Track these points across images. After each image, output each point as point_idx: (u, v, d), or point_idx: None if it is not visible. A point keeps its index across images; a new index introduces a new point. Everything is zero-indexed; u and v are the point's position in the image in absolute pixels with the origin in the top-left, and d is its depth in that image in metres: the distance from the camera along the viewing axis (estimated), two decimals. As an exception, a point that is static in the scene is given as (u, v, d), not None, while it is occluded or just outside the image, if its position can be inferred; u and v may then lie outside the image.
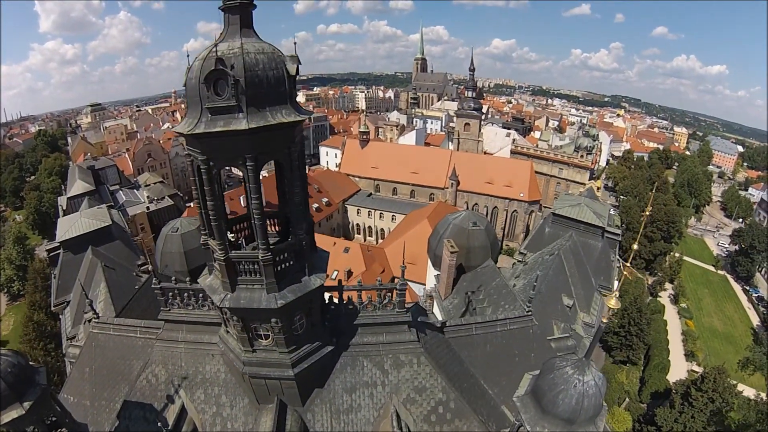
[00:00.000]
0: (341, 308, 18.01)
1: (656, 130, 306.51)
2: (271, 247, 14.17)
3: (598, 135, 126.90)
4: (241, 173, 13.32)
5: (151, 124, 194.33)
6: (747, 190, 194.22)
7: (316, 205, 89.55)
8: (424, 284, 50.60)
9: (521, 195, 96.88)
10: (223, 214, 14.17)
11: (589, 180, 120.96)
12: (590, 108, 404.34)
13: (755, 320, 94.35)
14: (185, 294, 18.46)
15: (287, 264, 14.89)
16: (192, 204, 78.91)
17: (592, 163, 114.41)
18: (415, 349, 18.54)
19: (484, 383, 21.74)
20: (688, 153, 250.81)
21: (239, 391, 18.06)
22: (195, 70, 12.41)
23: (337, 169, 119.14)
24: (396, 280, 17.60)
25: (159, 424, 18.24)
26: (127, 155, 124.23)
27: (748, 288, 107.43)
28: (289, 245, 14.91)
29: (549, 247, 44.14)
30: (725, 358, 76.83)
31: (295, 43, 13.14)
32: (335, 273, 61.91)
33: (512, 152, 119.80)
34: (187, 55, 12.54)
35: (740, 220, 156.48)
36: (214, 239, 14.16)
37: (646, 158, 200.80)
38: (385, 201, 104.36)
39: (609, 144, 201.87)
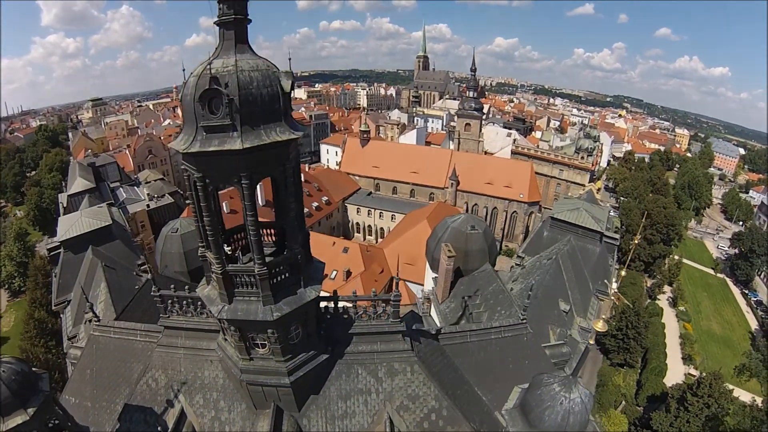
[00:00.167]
0: (336, 318, 18.28)
1: (658, 131, 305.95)
2: (267, 261, 14.39)
3: (599, 136, 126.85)
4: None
5: (152, 120, 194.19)
6: (748, 192, 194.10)
7: (315, 204, 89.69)
8: (423, 285, 50.94)
9: (521, 196, 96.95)
10: (219, 229, 14.42)
11: (590, 181, 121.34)
12: (592, 108, 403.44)
13: (753, 324, 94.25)
14: (184, 302, 18.73)
15: (283, 276, 15.16)
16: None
17: (593, 165, 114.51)
18: (408, 357, 18.80)
19: (478, 390, 21.98)
20: (689, 155, 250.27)
21: (237, 396, 18.36)
22: (190, 87, 12.51)
23: (337, 167, 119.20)
24: (394, 280, 17.83)
25: (159, 427, 18.61)
26: (127, 151, 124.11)
27: (747, 292, 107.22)
28: (285, 259, 15.14)
29: (547, 251, 44.36)
30: (723, 362, 77.17)
31: (290, 59, 13.23)
32: (334, 273, 62.32)
33: (513, 152, 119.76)
34: (183, 70, 12.70)
35: (740, 223, 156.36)
36: (212, 252, 14.40)
37: (647, 159, 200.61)
38: (385, 200, 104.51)
39: (610, 145, 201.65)
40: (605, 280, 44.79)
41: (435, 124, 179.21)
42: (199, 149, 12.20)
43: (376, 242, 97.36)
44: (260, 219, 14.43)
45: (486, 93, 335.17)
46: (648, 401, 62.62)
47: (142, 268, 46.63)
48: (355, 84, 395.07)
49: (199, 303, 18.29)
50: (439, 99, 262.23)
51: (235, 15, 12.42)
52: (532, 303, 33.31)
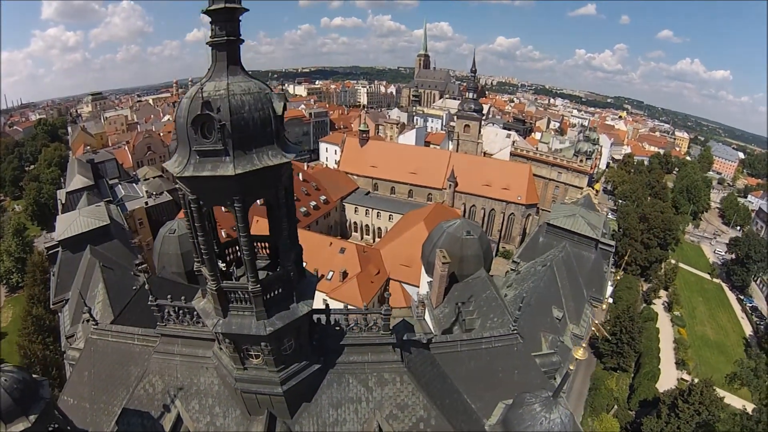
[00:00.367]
0: (328, 329, 18.67)
1: (658, 134, 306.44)
2: (261, 278, 14.73)
3: (598, 139, 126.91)
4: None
5: (152, 116, 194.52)
6: (746, 197, 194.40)
7: (313, 203, 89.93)
8: (419, 287, 51.22)
9: (519, 198, 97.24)
10: (213, 247, 14.74)
11: (589, 184, 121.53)
12: (592, 109, 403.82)
13: (748, 330, 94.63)
14: (180, 311, 19.10)
15: (276, 292, 15.52)
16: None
17: (591, 168, 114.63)
18: (398, 368, 19.26)
19: (468, 398, 22.39)
20: (688, 158, 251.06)
21: (231, 402, 18.81)
22: (183, 109, 12.72)
23: (336, 166, 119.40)
24: (386, 295, 18.15)
25: (156, 431, 19.11)
26: (126, 148, 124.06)
27: (742, 297, 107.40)
28: (278, 276, 15.51)
29: (542, 258, 44.60)
30: (716, 368, 77.77)
31: (282, 87, 13.37)
32: (331, 273, 62.65)
33: (512, 154, 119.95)
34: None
35: (738, 228, 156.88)
36: (206, 268, 14.73)
37: (646, 162, 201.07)
38: (382, 200, 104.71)
39: (610, 147, 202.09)
40: (600, 287, 45.34)
41: (435, 124, 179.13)
42: (193, 173, 12.43)
43: (374, 242, 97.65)
44: (256, 231, 14.77)
45: (486, 92, 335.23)
46: (640, 406, 62.99)
47: (140, 267, 46.99)
48: (355, 81, 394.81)
49: (195, 313, 18.64)
50: (440, 98, 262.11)
51: (227, 36, 12.53)
52: (525, 310, 33.73)
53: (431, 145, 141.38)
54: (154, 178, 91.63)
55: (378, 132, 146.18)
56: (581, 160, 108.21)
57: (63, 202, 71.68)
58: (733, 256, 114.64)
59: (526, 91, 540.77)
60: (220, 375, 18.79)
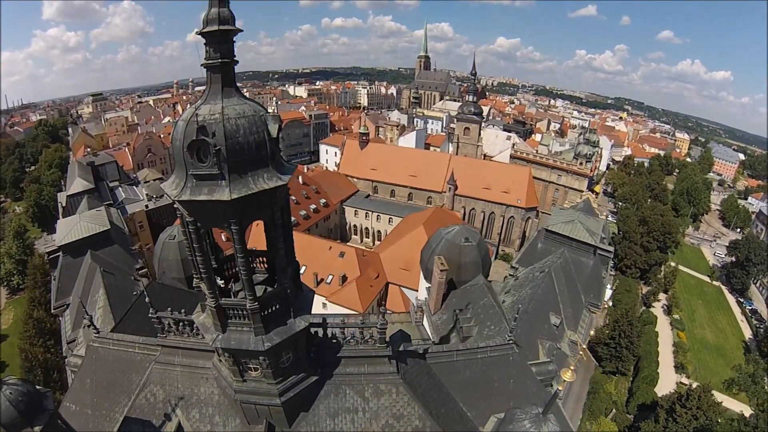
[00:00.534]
0: (326, 342, 18.89)
1: (658, 135, 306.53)
2: (258, 296, 15.00)
3: (598, 141, 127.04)
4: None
5: (152, 117, 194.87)
6: (747, 199, 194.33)
7: (313, 206, 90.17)
8: (417, 290, 51.42)
9: (518, 201, 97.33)
10: (212, 266, 14.98)
11: (589, 186, 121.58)
12: (593, 110, 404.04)
13: (747, 333, 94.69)
14: (180, 324, 19.35)
15: (273, 308, 15.76)
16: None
17: (591, 171, 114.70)
18: (394, 379, 19.54)
19: (463, 406, 22.63)
20: (689, 160, 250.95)
21: (231, 412, 19.10)
22: (179, 132, 12.89)
23: (336, 168, 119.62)
24: (381, 309, 18.38)
25: (157, 440, 19.44)
26: (126, 149, 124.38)
27: (742, 300, 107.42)
28: (275, 294, 15.77)
29: (540, 263, 44.78)
30: (715, 371, 77.90)
31: (276, 111, 13.51)
32: (330, 277, 62.85)
33: (512, 157, 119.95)
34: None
35: (738, 230, 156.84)
36: (205, 286, 14.96)
37: (646, 164, 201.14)
38: (382, 203, 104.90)
39: (610, 149, 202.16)
40: (597, 293, 45.50)
41: (435, 126, 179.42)
42: (190, 197, 12.63)
43: (373, 244, 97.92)
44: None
45: (487, 93, 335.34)
46: (638, 410, 63.05)
47: (140, 272, 47.21)
48: (356, 82, 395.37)
49: (195, 325, 18.88)
50: (440, 99, 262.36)
51: (221, 59, 12.67)
52: (523, 317, 33.99)
53: (431, 147, 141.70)
54: (154, 180, 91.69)
55: (378, 134, 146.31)
56: (581, 163, 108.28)
57: (63, 205, 72.00)
58: (733, 258, 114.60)
59: (526, 92, 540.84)
60: (219, 386, 19.11)
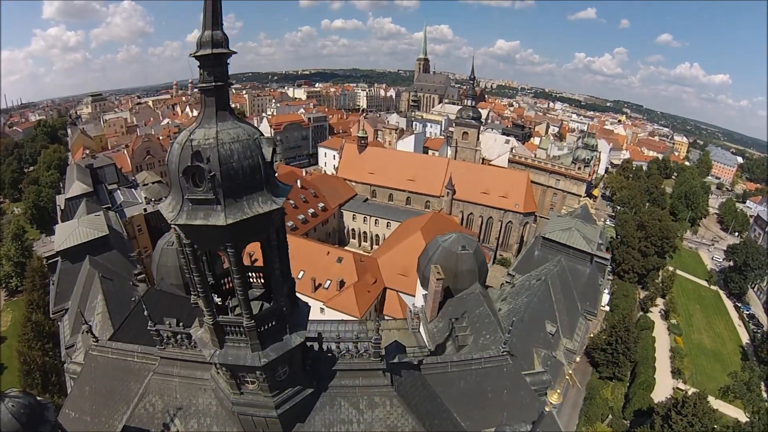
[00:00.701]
0: (321, 356, 19.13)
1: (657, 138, 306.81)
2: (255, 313, 15.23)
3: (596, 145, 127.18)
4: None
5: (151, 119, 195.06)
6: (745, 202, 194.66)
7: (311, 210, 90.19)
8: (415, 296, 51.61)
9: (516, 206, 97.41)
10: (209, 286, 15.22)
11: (587, 190, 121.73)
12: (591, 113, 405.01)
13: (745, 338, 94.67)
14: (179, 336, 19.58)
15: (270, 324, 16.03)
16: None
17: (590, 176, 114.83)
18: (388, 392, 19.87)
19: (458, 417, 22.89)
20: (687, 163, 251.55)
21: (228, 422, 19.36)
22: (174, 156, 13.08)
23: (334, 171, 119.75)
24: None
25: (156, 448, 19.71)
26: (125, 151, 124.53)
27: (739, 305, 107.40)
28: (271, 311, 16.02)
29: (537, 271, 44.97)
30: (712, 377, 78.03)
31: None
32: (328, 282, 62.99)
33: (510, 161, 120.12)
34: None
35: (736, 234, 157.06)
36: (203, 303, 15.19)
37: (645, 167, 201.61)
38: (380, 207, 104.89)
39: (608, 152, 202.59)
40: (594, 301, 45.70)
41: (433, 129, 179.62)
42: (186, 222, 12.83)
43: (371, 248, 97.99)
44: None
45: (486, 96, 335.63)
46: (635, 415, 63.12)
47: (138, 278, 47.39)
48: (355, 85, 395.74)
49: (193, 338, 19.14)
50: (439, 102, 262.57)
51: (215, 82, 12.84)
52: (518, 326, 34.19)
53: (430, 151, 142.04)
54: (153, 183, 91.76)
55: (377, 137, 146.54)
56: (579, 168, 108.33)
57: (62, 208, 71.98)
58: (731, 263, 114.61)
59: (525, 94, 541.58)
60: (217, 397, 19.40)
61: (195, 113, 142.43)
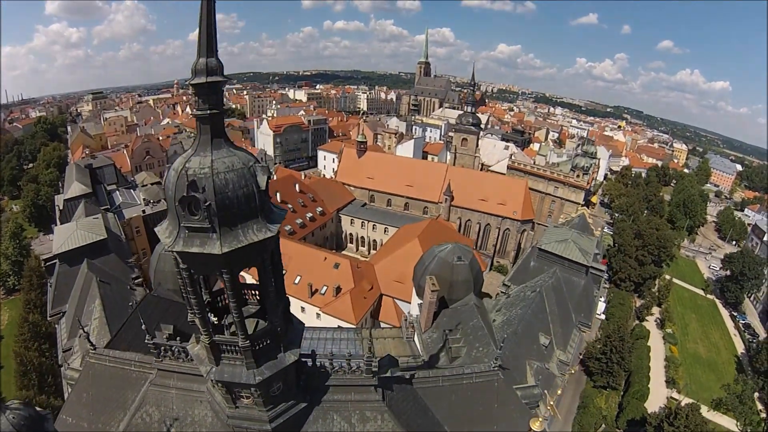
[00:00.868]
0: (314, 371, 19.44)
1: (656, 145, 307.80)
2: (250, 334, 15.54)
3: (596, 152, 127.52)
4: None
5: (152, 118, 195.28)
6: (743, 210, 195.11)
7: (309, 215, 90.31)
8: (410, 303, 51.82)
9: (514, 213, 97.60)
10: (205, 308, 15.60)
11: (586, 197, 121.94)
12: (591, 118, 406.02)
13: (740, 348, 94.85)
14: (176, 349, 19.88)
15: (264, 343, 16.36)
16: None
17: (588, 183, 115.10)
18: (379, 406, 20.33)
19: (448, 430, 23.23)
20: (686, 171, 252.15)
21: (224, 433, 19.72)
22: (171, 183, 13.34)
23: (333, 175, 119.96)
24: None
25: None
26: (125, 151, 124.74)
27: (735, 314, 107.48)
28: (266, 332, 16.34)
29: (532, 282, 45.25)
30: (706, 387, 78.23)
31: (266, 170, 13.88)
32: (324, 288, 63.13)
33: (509, 167, 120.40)
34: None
35: (734, 242, 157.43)
36: (199, 323, 15.51)
37: (644, 174, 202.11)
38: (378, 212, 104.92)
39: (608, 159, 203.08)
40: (588, 312, 45.94)
41: (433, 134, 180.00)
42: (182, 249, 13.13)
43: (369, 253, 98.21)
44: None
45: (486, 100, 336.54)
46: (628, 425, 63.25)
47: (136, 282, 47.62)
48: (356, 87, 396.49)
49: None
50: (439, 106, 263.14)
51: (210, 110, 13.09)
52: (512, 339, 34.48)
53: (429, 156, 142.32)
54: (152, 184, 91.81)
55: (376, 141, 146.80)
56: (578, 175, 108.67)
57: (61, 208, 72.13)
58: (728, 272, 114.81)
59: (526, 99, 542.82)
60: (213, 409, 19.80)
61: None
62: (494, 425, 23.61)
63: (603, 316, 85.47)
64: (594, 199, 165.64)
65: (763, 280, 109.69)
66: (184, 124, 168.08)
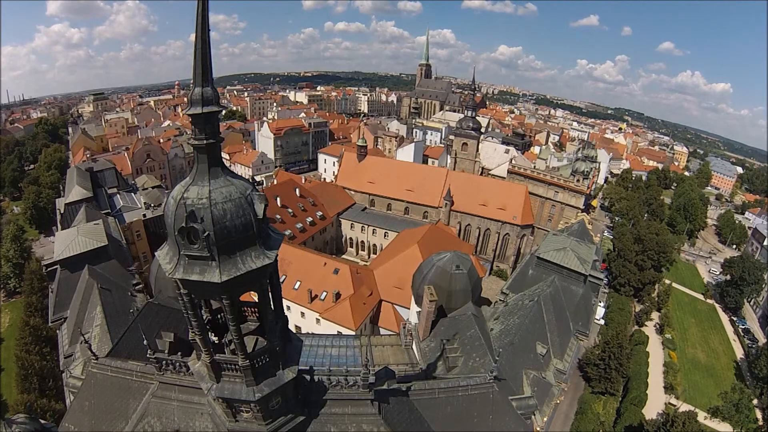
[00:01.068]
0: (312, 386, 19.76)
1: (657, 148, 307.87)
2: (249, 353, 15.86)
3: (596, 156, 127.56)
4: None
5: (153, 120, 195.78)
6: (744, 213, 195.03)
7: (310, 219, 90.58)
8: (410, 308, 52.06)
9: (514, 218, 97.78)
10: (206, 330, 15.96)
11: (586, 201, 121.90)
12: (592, 120, 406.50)
13: (739, 353, 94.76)
14: (178, 364, 20.21)
15: (264, 361, 16.68)
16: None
17: (588, 188, 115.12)
18: (376, 420, 20.69)
19: (443, 440, 23.57)
20: (687, 173, 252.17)
21: (224, 446, 20.01)
22: (170, 211, 13.66)
23: (333, 179, 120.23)
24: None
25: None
26: (126, 154, 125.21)
27: (735, 319, 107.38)
28: (265, 349, 16.63)
29: (530, 291, 45.44)
30: (704, 392, 78.30)
31: (263, 198, 14.08)
32: (324, 294, 63.36)
33: (509, 172, 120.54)
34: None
35: (734, 246, 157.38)
36: (200, 342, 15.84)
37: (644, 177, 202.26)
38: (379, 217, 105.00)
39: (608, 162, 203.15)
40: (586, 321, 46.11)
41: (434, 137, 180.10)
42: (183, 276, 13.43)
43: (369, 257, 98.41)
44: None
45: (487, 102, 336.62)
46: (626, 431, 63.57)
47: (137, 288, 47.87)
48: (356, 89, 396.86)
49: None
50: (440, 109, 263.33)
51: (206, 139, 13.34)
52: (509, 349, 34.77)
53: (429, 159, 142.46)
54: (152, 188, 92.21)
55: (377, 144, 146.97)
56: (578, 180, 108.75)
57: (62, 212, 72.35)
58: (728, 277, 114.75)
59: (527, 101, 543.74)
60: (214, 422, 20.23)
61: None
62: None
63: (602, 321, 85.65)
64: (594, 202, 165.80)
65: (763, 285, 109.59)
66: (185, 126, 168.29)
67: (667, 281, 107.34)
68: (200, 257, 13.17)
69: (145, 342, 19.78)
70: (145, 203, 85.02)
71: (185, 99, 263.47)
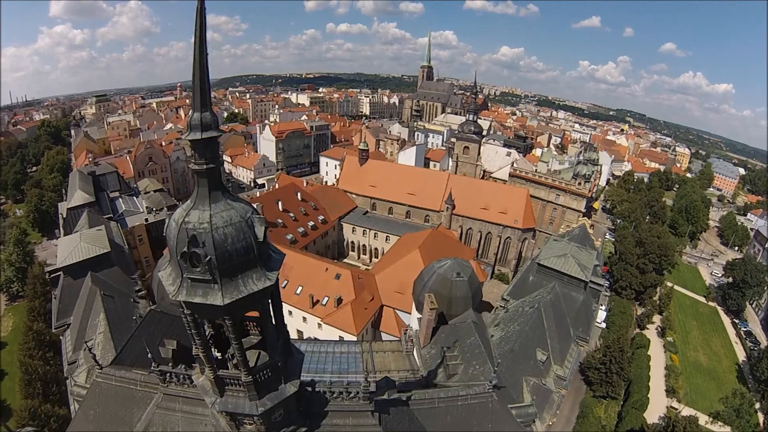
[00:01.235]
0: (314, 397, 19.99)
1: (659, 149, 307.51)
2: (251, 367, 16.12)
3: (598, 159, 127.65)
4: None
5: (155, 122, 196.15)
6: (746, 215, 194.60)
7: (311, 223, 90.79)
8: (411, 313, 52.24)
9: (516, 222, 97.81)
10: (210, 347, 16.24)
11: (587, 204, 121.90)
12: (594, 122, 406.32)
13: (741, 356, 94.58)
14: (182, 375, 20.49)
15: (266, 375, 16.92)
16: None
17: (590, 191, 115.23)
18: (376, 431, 20.58)
19: (444, 450, 23.78)
20: (689, 175, 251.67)
21: (228, 456, 20.27)
22: (172, 235, 13.84)
23: (335, 182, 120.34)
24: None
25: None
26: (128, 157, 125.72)
27: (737, 321, 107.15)
28: (267, 364, 16.89)
29: (530, 297, 45.57)
30: (706, 396, 78.19)
31: (263, 221, 14.26)
32: (326, 299, 63.56)
33: (510, 175, 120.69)
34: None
35: (736, 248, 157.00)
36: (204, 359, 16.12)
37: (646, 179, 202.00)
38: (380, 220, 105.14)
39: (610, 164, 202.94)
40: (587, 327, 46.22)
41: (435, 140, 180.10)
42: (186, 298, 13.69)
43: (370, 261, 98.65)
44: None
45: (489, 104, 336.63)
46: (627, 436, 63.64)
47: (139, 295, 48.14)
48: (358, 90, 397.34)
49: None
50: (442, 111, 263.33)
51: (206, 164, 13.51)
52: (509, 356, 34.93)
53: (431, 162, 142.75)
54: (154, 191, 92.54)
55: (378, 147, 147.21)
56: (580, 183, 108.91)
57: (64, 216, 72.67)
58: (730, 279, 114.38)
59: (528, 102, 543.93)
60: (218, 432, 20.29)
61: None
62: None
63: (603, 325, 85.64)
64: (596, 205, 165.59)
65: (765, 288, 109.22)
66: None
67: (669, 284, 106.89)
68: (203, 280, 13.40)
69: (149, 355, 20.05)
70: (147, 207, 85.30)
71: (187, 101, 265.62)
